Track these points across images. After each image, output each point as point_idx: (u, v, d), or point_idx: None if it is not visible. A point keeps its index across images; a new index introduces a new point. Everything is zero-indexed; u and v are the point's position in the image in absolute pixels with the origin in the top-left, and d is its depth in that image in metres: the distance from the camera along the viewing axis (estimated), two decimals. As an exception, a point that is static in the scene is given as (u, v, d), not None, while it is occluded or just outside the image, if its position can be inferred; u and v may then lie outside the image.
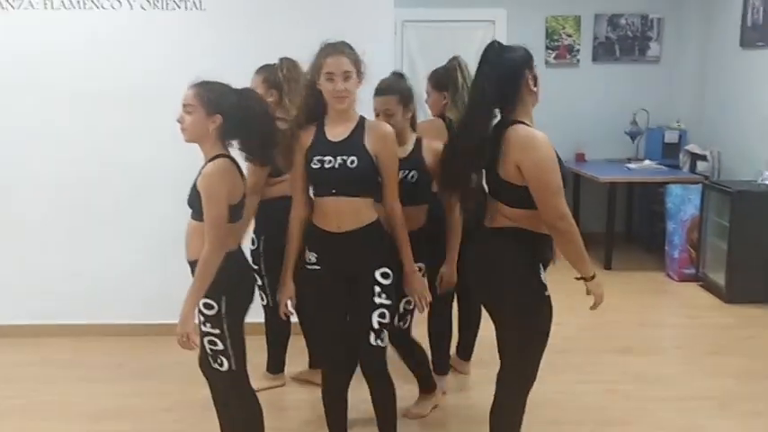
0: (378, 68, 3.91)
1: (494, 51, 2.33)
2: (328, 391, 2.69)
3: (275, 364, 3.48)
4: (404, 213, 2.60)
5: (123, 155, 3.98)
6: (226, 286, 2.35)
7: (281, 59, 3.26)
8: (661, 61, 6.42)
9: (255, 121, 2.41)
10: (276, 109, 3.06)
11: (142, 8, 3.86)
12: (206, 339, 2.40)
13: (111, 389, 3.45)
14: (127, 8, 3.85)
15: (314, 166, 2.51)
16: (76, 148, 3.98)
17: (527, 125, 2.29)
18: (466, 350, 3.62)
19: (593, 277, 2.32)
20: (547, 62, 6.40)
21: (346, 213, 2.52)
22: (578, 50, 6.41)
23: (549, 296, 2.31)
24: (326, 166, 2.49)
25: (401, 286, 2.67)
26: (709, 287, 5.00)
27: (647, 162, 5.92)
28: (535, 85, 2.33)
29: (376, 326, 2.53)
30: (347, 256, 2.55)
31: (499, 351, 2.39)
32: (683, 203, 5.26)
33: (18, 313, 4.11)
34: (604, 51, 6.41)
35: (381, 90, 2.92)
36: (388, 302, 2.56)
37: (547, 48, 6.39)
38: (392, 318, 2.65)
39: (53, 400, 3.36)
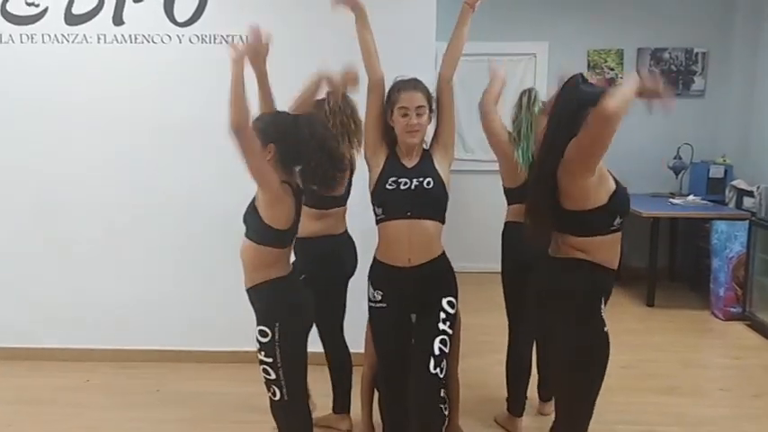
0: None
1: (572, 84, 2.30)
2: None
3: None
4: (420, 232, 2.56)
5: (170, 184, 4.09)
6: (280, 313, 2.37)
7: (328, 93, 3.27)
8: (706, 95, 6.33)
9: (308, 145, 2.40)
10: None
11: (190, 42, 3.98)
12: (261, 368, 2.40)
13: (148, 414, 3.50)
14: (176, 42, 3.98)
15: (389, 188, 2.55)
16: (123, 176, 4.10)
17: None
18: (547, 390, 3.46)
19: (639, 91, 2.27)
20: (588, 96, 6.37)
21: (419, 242, 2.55)
22: (621, 84, 6.36)
23: (607, 332, 2.26)
24: (402, 187, 2.55)
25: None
26: (757, 327, 4.86)
27: (691, 197, 5.82)
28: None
29: (437, 352, 2.51)
30: (417, 290, 2.57)
31: (554, 395, 2.34)
32: (729, 240, 5.14)
33: (65, 337, 4.22)
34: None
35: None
36: (450, 331, 2.57)
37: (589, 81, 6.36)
38: (450, 351, 2.62)
39: (93, 425, 3.42)
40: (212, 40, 3.97)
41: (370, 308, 2.70)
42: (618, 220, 2.27)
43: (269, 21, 3.97)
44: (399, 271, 2.56)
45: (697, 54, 6.30)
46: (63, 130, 4.07)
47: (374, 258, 2.66)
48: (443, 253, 2.64)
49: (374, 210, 2.64)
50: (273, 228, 2.37)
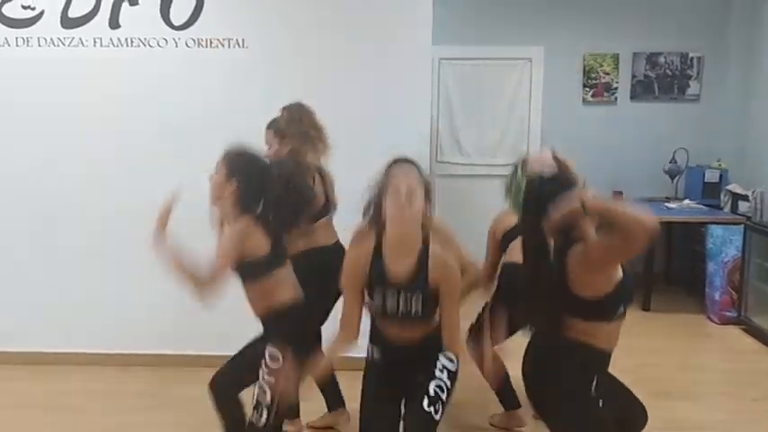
0: (415, 106, 4.00)
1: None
2: None
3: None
4: (413, 324, 2.47)
5: (166, 188, 4.06)
6: (293, 337, 2.42)
7: (282, 108, 3.27)
8: (701, 100, 6.35)
9: (272, 193, 2.49)
10: (297, 155, 3.09)
11: (187, 46, 3.97)
12: (258, 387, 2.43)
13: (147, 418, 3.48)
14: (172, 46, 3.97)
15: (375, 296, 2.46)
16: (120, 181, 4.08)
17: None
18: None
19: None
20: (584, 100, 6.39)
21: (413, 328, 2.48)
22: (616, 88, 6.39)
23: (594, 396, 2.25)
24: (388, 300, 2.43)
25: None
26: (752, 331, 4.87)
27: (686, 202, 5.83)
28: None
29: (432, 393, 2.40)
30: (414, 352, 2.49)
31: None
32: (725, 244, 5.15)
33: (63, 341, 4.20)
34: (643, 90, 6.37)
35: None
36: (448, 382, 2.45)
37: (584, 86, 6.39)
38: (447, 401, 2.46)
39: (91, 430, 3.40)
40: (208, 44, 3.97)
41: (366, 364, 2.62)
42: (621, 309, 2.27)
43: (265, 24, 4.00)
44: (396, 349, 2.51)
45: (692, 59, 6.32)
46: (58, 134, 4.05)
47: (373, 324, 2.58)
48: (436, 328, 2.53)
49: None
50: (255, 257, 2.43)
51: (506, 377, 3.31)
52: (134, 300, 4.15)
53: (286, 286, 2.53)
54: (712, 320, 5.20)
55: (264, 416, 2.41)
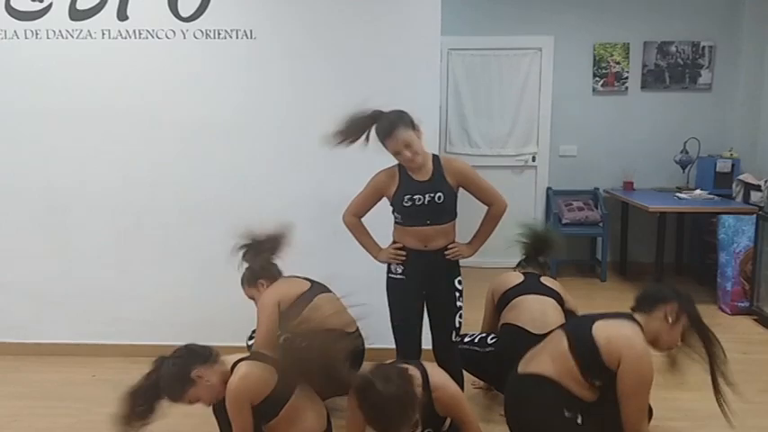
0: (424, 96, 3.98)
1: None
2: None
3: None
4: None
5: (174, 180, 4.09)
6: None
7: None
8: (713, 89, 6.30)
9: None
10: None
11: (195, 37, 3.97)
12: None
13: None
14: (180, 38, 3.97)
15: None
16: (128, 171, 4.10)
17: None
18: None
19: None
20: (594, 90, 6.35)
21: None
22: (627, 78, 6.34)
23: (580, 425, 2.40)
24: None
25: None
26: (764, 321, 4.84)
27: (698, 191, 5.79)
28: None
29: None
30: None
31: None
32: (737, 234, 5.12)
33: (72, 332, 4.23)
34: (654, 79, 6.32)
35: (389, 129, 2.86)
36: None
37: (594, 75, 6.34)
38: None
39: (101, 420, 3.41)
40: (216, 35, 3.96)
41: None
42: None
43: (273, 14, 3.99)
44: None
45: (704, 48, 6.26)
46: (67, 126, 4.06)
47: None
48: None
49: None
50: (264, 401, 2.48)
51: None
52: (145, 292, 4.17)
53: (307, 414, 2.53)
54: (724, 311, 5.17)
55: None
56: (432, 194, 2.90)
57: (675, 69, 6.30)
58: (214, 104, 4.00)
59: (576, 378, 2.44)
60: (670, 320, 2.51)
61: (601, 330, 2.48)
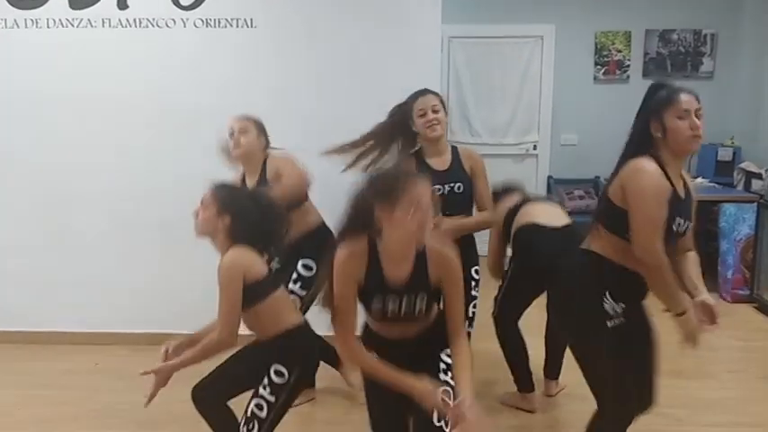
0: (425, 84, 3.94)
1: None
2: None
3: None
4: (409, 326, 2.27)
5: (175, 170, 4.09)
6: (302, 357, 2.43)
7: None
8: (714, 77, 6.28)
9: (260, 224, 2.48)
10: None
11: (195, 26, 3.96)
12: (254, 403, 2.41)
13: (159, 397, 3.51)
14: (180, 26, 3.96)
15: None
16: (129, 160, 4.11)
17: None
18: (552, 368, 3.49)
19: (681, 314, 2.33)
20: (596, 78, 6.33)
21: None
22: (628, 66, 6.32)
23: (612, 327, 2.26)
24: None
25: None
26: (764, 309, 4.85)
27: (699, 180, 5.78)
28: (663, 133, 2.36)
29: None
30: (414, 347, 2.33)
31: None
32: (737, 223, 5.12)
33: (73, 321, 4.25)
34: (655, 67, 6.30)
35: (424, 90, 3.06)
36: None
37: (596, 63, 6.32)
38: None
39: (103, 408, 3.44)
40: (217, 24, 3.96)
41: None
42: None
43: (273, 3, 3.97)
44: (395, 346, 2.38)
45: (705, 35, 6.23)
46: (67, 116, 4.07)
47: None
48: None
49: None
50: (255, 281, 2.41)
51: (525, 357, 3.32)
52: (146, 280, 4.18)
53: (289, 307, 2.54)
54: (724, 299, 5.18)
55: (256, 430, 2.41)
56: (451, 184, 2.96)
57: (677, 57, 6.28)
58: (214, 93, 4.00)
59: (614, 244, 2.29)
60: (659, 134, 2.40)
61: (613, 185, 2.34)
